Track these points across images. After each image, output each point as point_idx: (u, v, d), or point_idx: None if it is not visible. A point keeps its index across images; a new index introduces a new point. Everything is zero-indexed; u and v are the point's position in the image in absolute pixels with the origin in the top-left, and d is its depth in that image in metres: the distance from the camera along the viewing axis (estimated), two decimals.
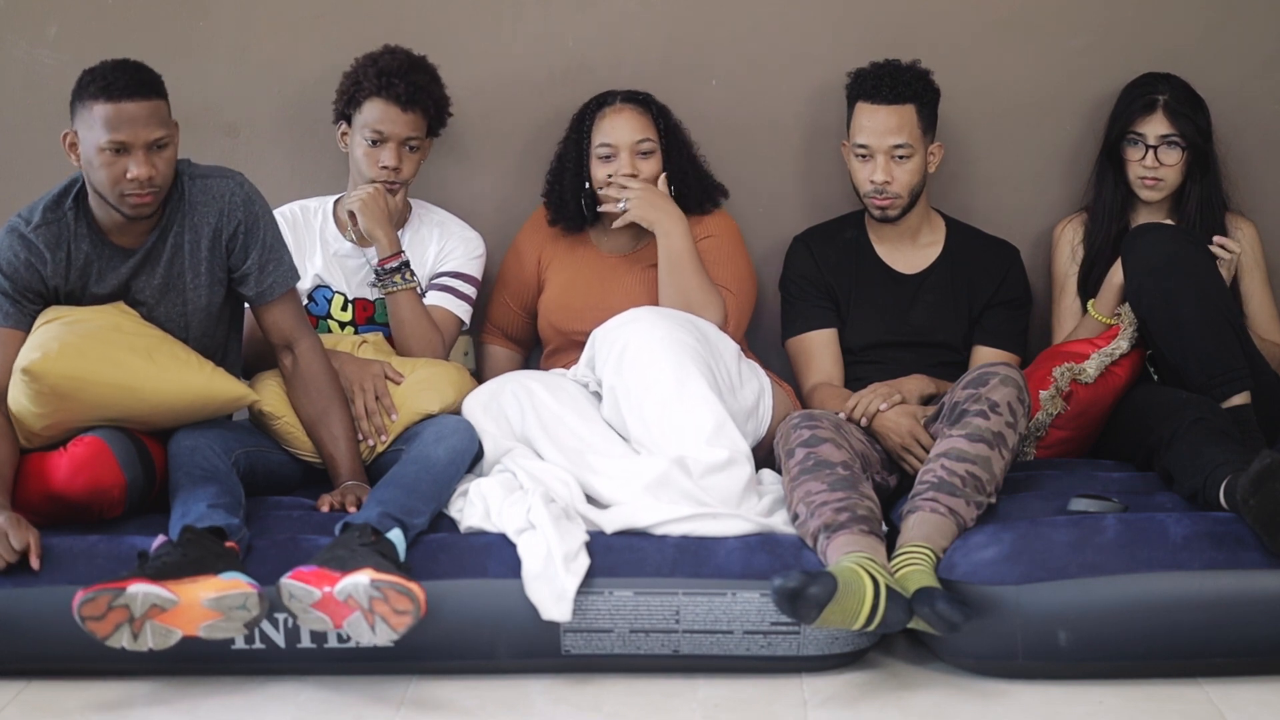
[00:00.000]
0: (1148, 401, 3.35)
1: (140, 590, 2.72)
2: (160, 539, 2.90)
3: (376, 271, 3.53)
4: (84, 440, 3.06)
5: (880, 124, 3.52)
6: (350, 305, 3.61)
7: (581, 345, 3.41)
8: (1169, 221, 3.59)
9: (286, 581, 2.79)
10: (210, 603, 2.74)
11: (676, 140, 3.63)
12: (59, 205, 3.16)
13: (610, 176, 3.56)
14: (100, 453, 3.04)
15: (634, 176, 3.54)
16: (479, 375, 3.75)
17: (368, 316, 3.61)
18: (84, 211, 3.17)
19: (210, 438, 3.16)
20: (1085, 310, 3.59)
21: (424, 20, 3.79)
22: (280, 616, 2.87)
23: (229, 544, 2.87)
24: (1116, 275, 3.49)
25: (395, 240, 3.52)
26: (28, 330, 3.13)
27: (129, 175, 3.07)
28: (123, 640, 2.74)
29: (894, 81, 3.53)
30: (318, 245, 3.62)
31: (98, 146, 3.06)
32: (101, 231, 3.17)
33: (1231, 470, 2.92)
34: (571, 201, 3.62)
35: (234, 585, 2.76)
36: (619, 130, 3.56)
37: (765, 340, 3.78)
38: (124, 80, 3.07)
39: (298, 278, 3.34)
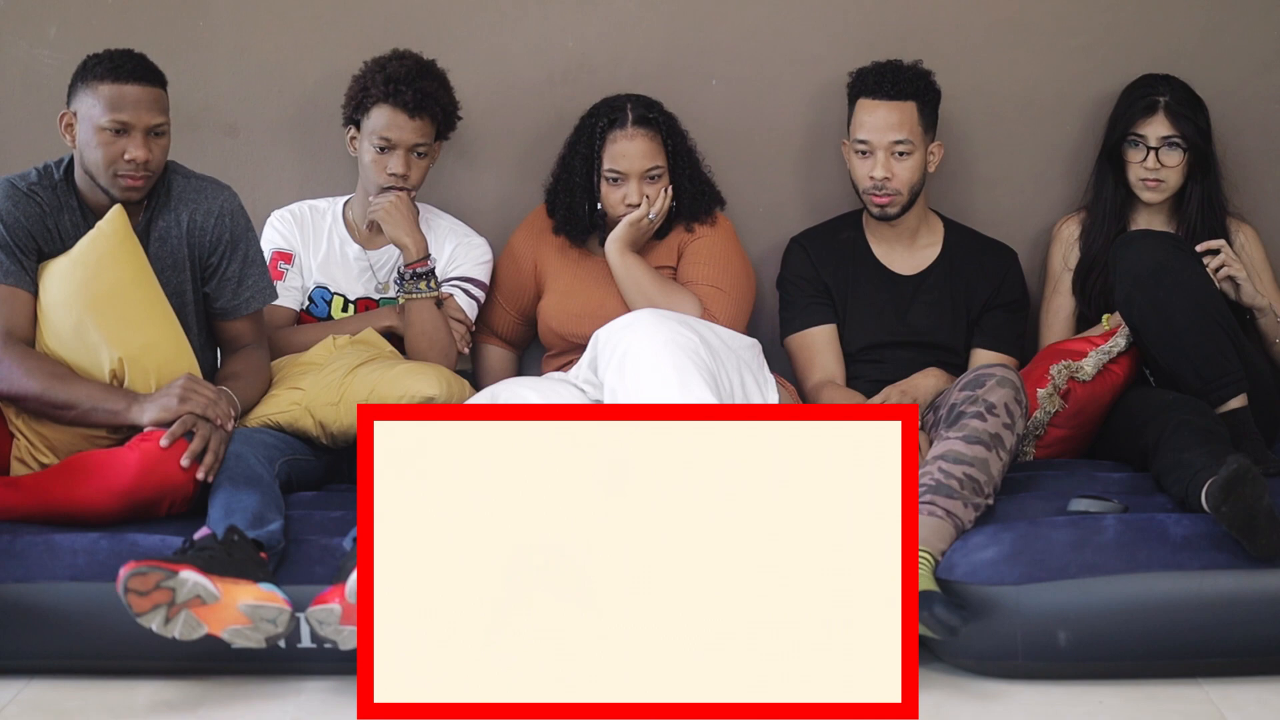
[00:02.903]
0: (1138, 405, 3.33)
1: (191, 578, 2.70)
2: (204, 530, 2.88)
3: (401, 273, 3.51)
4: (153, 435, 3.02)
5: (881, 120, 3.52)
6: (351, 306, 3.60)
7: (582, 349, 3.40)
8: (1155, 228, 3.59)
9: (310, 612, 2.76)
10: (246, 609, 2.72)
11: (682, 152, 3.62)
12: (50, 175, 3.19)
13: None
14: (170, 446, 3.00)
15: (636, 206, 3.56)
16: (474, 374, 3.76)
17: None
18: (73, 188, 3.19)
19: (254, 445, 3.12)
20: (1099, 320, 3.56)
21: (424, 20, 3.79)
22: None
23: (262, 554, 2.86)
24: None
25: (423, 245, 3.50)
26: (32, 292, 3.12)
27: (126, 156, 3.11)
28: (154, 622, 2.70)
29: (896, 78, 3.53)
30: (324, 244, 3.62)
31: (98, 125, 3.11)
32: (90, 211, 3.18)
33: (1211, 474, 2.90)
34: (583, 218, 3.62)
35: (272, 598, 2.74)
36: (630, 159, 3.54)
37: (766, 341, 3.77)
38: (130, 65, 3.13)
39: (274, 296, 3.34)
